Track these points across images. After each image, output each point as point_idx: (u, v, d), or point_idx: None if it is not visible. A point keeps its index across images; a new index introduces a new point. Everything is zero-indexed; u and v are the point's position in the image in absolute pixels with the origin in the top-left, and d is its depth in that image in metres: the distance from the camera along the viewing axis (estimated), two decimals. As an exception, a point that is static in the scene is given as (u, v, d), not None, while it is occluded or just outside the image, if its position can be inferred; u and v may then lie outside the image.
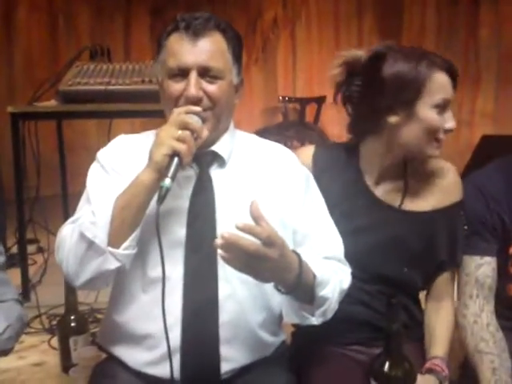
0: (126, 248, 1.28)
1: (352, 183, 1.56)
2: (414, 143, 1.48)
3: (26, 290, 2.63)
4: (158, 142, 1.28)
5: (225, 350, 1.35)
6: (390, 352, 1.31)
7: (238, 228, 1.13)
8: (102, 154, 1.46)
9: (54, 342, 2.08)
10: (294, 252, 1.26)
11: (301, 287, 1.26)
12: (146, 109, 2.49)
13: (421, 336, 1.59)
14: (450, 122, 1.45)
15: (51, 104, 2.57)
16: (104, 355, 1.49)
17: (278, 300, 1.40)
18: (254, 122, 4.68)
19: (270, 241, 1.15)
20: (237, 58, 1.41)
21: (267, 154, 1.49)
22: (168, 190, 1.24)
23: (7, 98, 3.95)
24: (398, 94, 1.43)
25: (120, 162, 1.41)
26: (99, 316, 2.32)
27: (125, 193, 1.30)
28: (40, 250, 3.11)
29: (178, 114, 1.30)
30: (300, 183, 1.47)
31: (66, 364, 1.88)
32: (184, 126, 1.28)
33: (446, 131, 1.45)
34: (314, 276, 1.29)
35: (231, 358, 1.36)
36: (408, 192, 1.55)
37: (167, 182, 1.24)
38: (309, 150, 1.60)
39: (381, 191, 1.55)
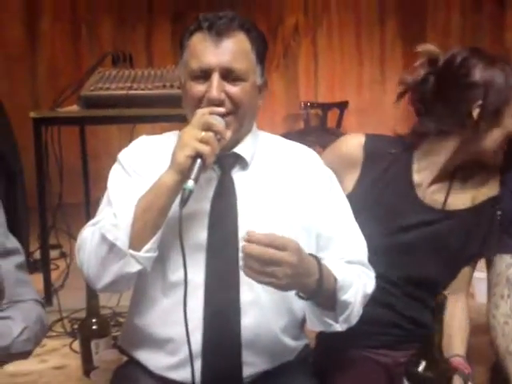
0: (148, 251, 1.26)
1: (400, 180, 1.53)
2: (492, 149, 1.47)
3: (49, 295, 2.64)
4: (181, 144, 1.26)
5: (247, 355, 1.33)
6: (429, 352, 1.28)
7: (245, 240, 1.13)
8: (123, 155, 1.44)
9: (76, 345, 2.08)
10: (313, 256, 1.24)
11: (322, 292, 1.23)
12: (167, 113, 2.49)
13: None
14: None
15: (73, 109, 2.59)
16: (125, 358, 1.48)
17: (300, 304, 1.37)
18: (276, 128, 4.66)
19: (280, 244, 1.14)
20: (261, 58, 1.39)
21: (290, 155, 1.47)
22: (191, 192, 1.22)
23: (31, 107, 4.00)
24: (491, 99, 1.43)
25: (141, 163, 1.40)
26: (121, 319, 2.31)
27: (147, 195, 1.28)
28: (63, 255, 3.14)
29: (202, 115, 1.28)
30: (324, 185, 1.44)
31: (88, 367, 1.88)
32: (207, 127, 1.25)
33: None
34: (336, 280, 1.27)
35: (253, 362, 1.34)
36: (450, 194, 1.54)
37: (190, 184, 1.21)
38: (359, 138, 1.56)
39: (426, 192, 1.54)
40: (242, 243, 1.17)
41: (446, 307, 1.27)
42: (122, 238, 1.25)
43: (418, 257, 1.52)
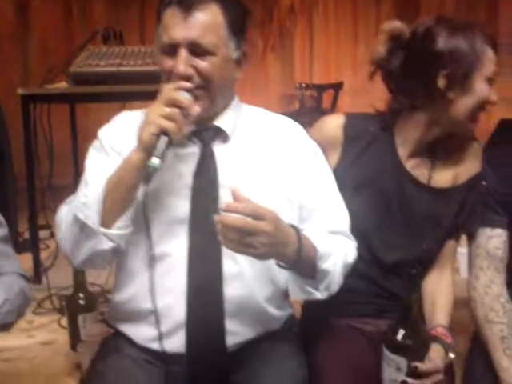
0: (119, 228, 1.28)
1: (385, 156, 1.53)
2: (464, 117, 1.45)
3: (38, 273, 2.64)
4: (145, 121, 1.25)
5: (230, 324, 1.34)
6: (407, 321, 1.30)
7: (223, 210, 1.12)
8: (102, 131, 1.43)
9: (64, 322, 2.07)
10: (292, 226, 1.24)
11: (302, 261, 1.24)
12: (158, 90, 2.45)
13: None
14: (494, 95, 1.44)
15: (62, 86, 2.56)
16: (112, 331, 1.48)
17: (283, 274, 1.38)
18: (271, 109, 4.59)
19: (258, 214, 1.13)
20: (236, 30, 1.35)
21: (274, 128, 1.46)
22: (156, 169, 1.21)
23: (22, 86, 3.98)
24: (457, 67, 1.41)
25: (120, 140, 1.38)
26: (109, 296, 2.30)
27: (115, 173, 1.28)
28: (53, 236, 3.12)
29: (168, 90, 1.26)
30: (307, 157, 1.44)
31: (75, 342, 1.87)
32: (172, 103, 1.24)
33: (490, 103, 1.45)
34: (316, 249, 1.27)
35: (237, 331, 1.35)
36: (434, 169, 1.53)
37: (154, 161, 1.21)
38: (338, 119, 1.54)
39: (409, 166, 1.53)
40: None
41: (420, 278, 1.30)
42: (92, 217, 1.26)
43: (409, 234, 1.52)
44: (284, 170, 1.40)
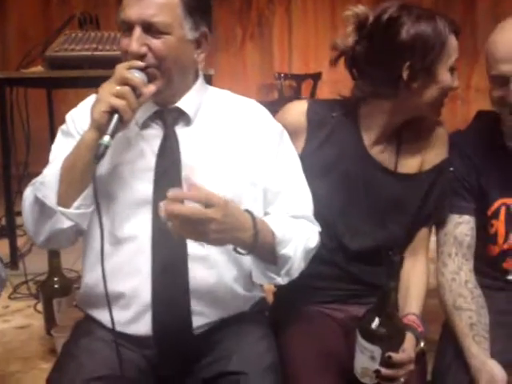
0: (78, 207, 1.28)
1: (350, 142, 1.52)
2: (429, 105, 1.45)
3: (14, 259, 2.63)
4: (97, 99, 1.24)
5: (196, 305, 1.34)
6: (383, 310, 1.28)
7: (171, 197, 1.11)
8: (70, 115, 1.43)
9: (40, 307, 2.06)
10: (248, 211, 1.24)
11: (259, 246, 1.24)
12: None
13: None
14: (456, 81, 1.44)
15: (37, 70, 2.54)
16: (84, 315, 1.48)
17: (248, 258, 1.37)
18: (250, 98, 4.64)
19: (208, 202, 1.13)
20: (193, 10, 1.34)
21: (238, 110, 1.45)
22: (107, 147, 1.20)
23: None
24: (421, 59, 1.40)
25: (85, 122, 1.34)
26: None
27: (71, 153, 1.29)
28: (30, 222, 3.10)
29: (120, 69, 1.26)
30: (272, 140, 1.43)
31: (50, 326, 1.87)
32: (123, 82, 1.23)
33: (453, 90, 1.45)
34: (274, 235, 1.28)
35: (203, 312, 1.35)
36: (400, 155, 1.52)
37: (106, 139, 1.20)
38: (301, 105, 1.53)
39: (375, 152, 1.52)
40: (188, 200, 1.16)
41: (402, 266, 1.29)
42: (50, 196, 1.27)
43: (376, 220, 1.52)
44: (248, 153, 1.40)
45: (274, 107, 1.57)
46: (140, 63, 1.27)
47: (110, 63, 2.40)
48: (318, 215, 1.44)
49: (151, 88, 1.28)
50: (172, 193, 1.11)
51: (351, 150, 1.51)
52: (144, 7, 1.29)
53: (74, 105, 1.45)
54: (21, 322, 2.08)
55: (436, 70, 1.41)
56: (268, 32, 5.18)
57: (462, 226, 1.52)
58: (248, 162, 1.40)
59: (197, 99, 1.42)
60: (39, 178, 1.32)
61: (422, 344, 1.41)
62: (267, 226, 1.28)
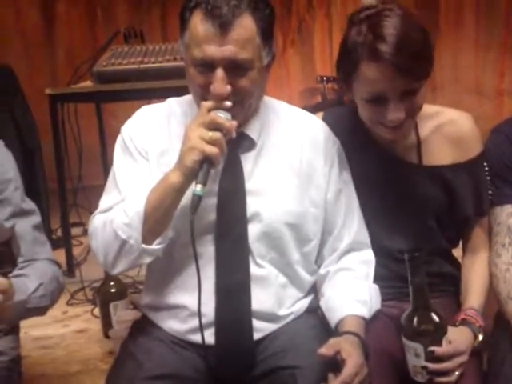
0: (159, 244, 1.31)
1: (365, 146, 1.52)
2: (365, 120, 1.43)
3: (71, 268, 2.72)
4: (188, 145, 1.23)
5: (257, 323, 1.37)
6: (416, 306, 1.31)
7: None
8: (125, 128, 1.45)
9: (97, 312, 2.13)
10: (353, 334, 1.31)
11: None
12: (180, 85, 2.49)
13: (454, 290, 1.57)
14: (388, 115, 1.33)
15: (87, 85, 2.64)
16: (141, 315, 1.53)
17: (309, 281, 1.46)
18: (293, 103, 4.63)
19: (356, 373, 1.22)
20: (268, 36, 1.32)
21: (299, 128, 1.45)
22: (201, 197, 1.22)
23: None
24: (340, 61, 1.38)
25: (145, 141, 1.40)
26: (140, 287, 2.37)
27: (155, 192, 1.29)
28: (86, 233, 3.20)
29: (207, 110, 1.24)
30: (334, 161, 1.45)
31: (107, 329, 1.94)
32: (215, 127, 1.22)
33: (390, 122, 1.35)
34: (364, 319, 1.38)
35: (264, 328, 1.39)
36: (423, 147, 1.49)
37: (199, 189, 1.21)
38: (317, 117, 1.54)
39: (395, 149, 1.50)
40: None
41: (422, 262, 1.28)
42: (134, 236, 1.28)
43: (408, 216, 1.51)
44: (309, 173, 1.42)
45: (318, 110, 1.59)
46: (229, 104, 1.25)
47: (156, 75, 2.55)
48: None
49: (235, 125, 1.26)
50: None
51: (367, 152, 1.51)
52: (226, 46, 1.24)
53: (123, 118, 1.48)
54: (79, 327, 2.16)
55: (353, 83, 1.36)
56: (309, 37, 5.18)
57: None
58: (310, 181, 1.41)
59: (260, 122, 1.41)
60: (121, 217, 1.30)
61: (481, 337, 1.40)
62: (359, 325, 1.36)
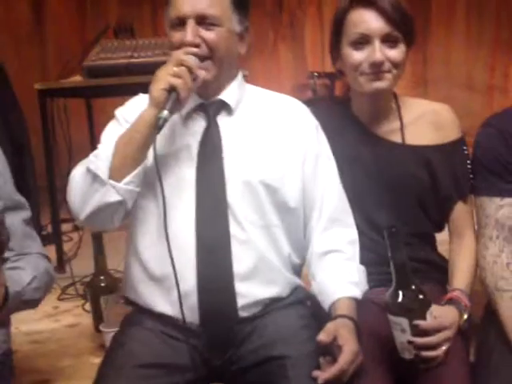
0: (128, 183, 1.35)
1: (351, 130, 1.60)
2: (351, 83, 1.55)
3: (61, 263, 2.73)
4: (155, 79, 1.35)
5: (239, 286, 1.39)
6: (399, 282, 1.32)
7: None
8: (119, 110, 1.53)
9: (88, 307, 2.13)
10: (347, 317, 1.34)
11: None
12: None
13: (441, 278, 1.60)
14: (371, 56, 1.46)
15: (76, 79, 2.63)
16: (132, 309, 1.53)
17: (287, 244, 1.47)
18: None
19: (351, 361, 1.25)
20: (238, 5, 1.45)
21: (276, 104, 1.54)
22: (165, 120, 1.31)
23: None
24: (332, 36, 1.54)
25: (135, 116, 1.43)
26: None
27: (127, 130, 1.38)
28: (76, 229, 3.20)
29: (177, 53, 1.37)
30: (310, 132, 1.51)
31: (98, 323, 1.93)
32: (180, 63, 1.34)
33: (371, 64, 1.47)
34: (356, 300, 1.42)
35: (246, 292, 1.40)
36: (406, 130, 1.57)
37: (164, 113, 1.30)
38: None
39: (380, 131, 1.59)
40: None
41: (402, 239, 1.31)
42: (102, 168, 1.35)
43: (394, 196, 1.56)
44: (287, 143, 1.48)
45: (309, 106, 1.62)
46: (195, 49, 1.38)
47: (146, 70, 2.53)
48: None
49: (204, 73, 1.39)
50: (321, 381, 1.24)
51: (354, 136, 1.59)
52: (197, 1, 1.39)
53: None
54: (70, 321, 2.16)
55: (340, 48, 1.52)
56: (300, 32, 5.18)
57: (504, 208, 1.50)
58: (287, 151, 1.47)
59: (238, 92, 1.50)
60: (92, 153, 1.40)
61: (466, 316, 1.42)
62: (352, 307, 1.39)
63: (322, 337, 1.27)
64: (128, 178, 1.35)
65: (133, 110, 1.47)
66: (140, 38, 2.95)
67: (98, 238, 1.97)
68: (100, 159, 1.37)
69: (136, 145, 1.35)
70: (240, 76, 1.53)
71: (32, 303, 1.42)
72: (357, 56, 1.47)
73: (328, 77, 5.14)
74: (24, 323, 2.07)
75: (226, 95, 1.48)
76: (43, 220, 3.17)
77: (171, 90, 1.32)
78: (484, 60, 4.98)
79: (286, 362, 1.31)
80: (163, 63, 2.44)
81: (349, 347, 1.25)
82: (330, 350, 1.28)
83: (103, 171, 1.35)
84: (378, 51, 1.45)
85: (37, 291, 1.39)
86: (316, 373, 1.25)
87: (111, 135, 1.44)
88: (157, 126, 1.30)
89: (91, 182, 1.35)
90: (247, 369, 1.37)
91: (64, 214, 2.96)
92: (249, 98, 1.52)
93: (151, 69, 2.47)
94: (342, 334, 1.28)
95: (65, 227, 3.07)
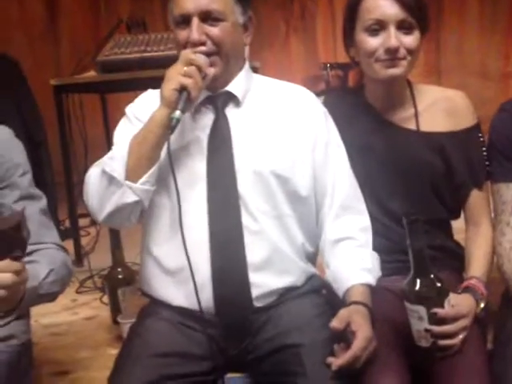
0: (144, 183, 1.37)
1: (365, 117, 1.60)
2: (365, 69, 1.54)
3: (79, 257, 2.76)
4: (166, 79, 1.36)
5: (254, 277, 1.40)
6: (417, 270, 1.32)
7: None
8: (129, 108, 1.54)
9: (106, 299, 2.15)
10: (360, 303, 1.35)
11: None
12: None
13: (457, 265, 1.60)
14: (387, 42, 1.46)
15: (90, 75, 2.65)
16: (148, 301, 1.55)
17: (300, 233, 1.48)
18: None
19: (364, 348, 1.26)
20: None
21: (284, 93, 1.54)
22: (178, 120, 1.32)
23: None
24: (346, 23, 1.54)
25: (145, 112, 1.45)
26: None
27: (141, 131, 1.38)
28: (93, 223, 3.23)
29: (185, 53, 1.37)
30: (319, 120, 1.52)
31: (116, 315, 1.95)
32: (189, 63, 1.35)
33: (387, 51, 1.46)
34: (371, 287, 1.42)
35: (261, 283, 1.41)
36: (420, 117, 1.57)
37: (177, 113, 1.32)
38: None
39: (394, 118, 1.58)
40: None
41: (420, 227, 1.30)
42: (118, 170, 1.36)
43: (408, 184, 1.56)
44: (295, 132, 1.48)
45: (321, 96, 1.63)
46: (204, 48, 1.39)
47: (159, 64, 2.55)
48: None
49: (213, 70, 1.40)
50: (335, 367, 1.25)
51: (369, 125, 1.59)
52: None
53: None
54: (88, 314, 2.18)
55: (354, 34, 1.51)
56: (311, 24, 5.16)
57: None
58: (296, 139, 1.48)
59: (245, 83, 1.51)
60: (107, 155, 1.41)
61: (483, 305, 1.42)
62: (366, 293, 1.39)
63: (335, 323, 1.28)
64: (144, 178, 1.37)
65: (142, 107, 1.50)
66: (152, 32, 2.97)
67: (115, 232, 2.00)
68: (115, 160, 1.38)
69: (150, 145, 1.36)
70: (247, 66, 1.54)
71: (50, 296, 1.41)
72: (372, 42, 1.47)
73: (341, 67, 5.11)
74: (43, 316, 2.10)
75: (233, 87, 1.49)
76: (61, 215, 3.20)
77: (182, 89, 1.33)
78: (497, 48, 4.93)
79: (301, 350, 1.32)
80: (176, 57, 2.52)
81: (362, 333, 1.26)
82: (344, 337, 1.29)
83: (119, 173, 1.36)
84: (394, 37, 1.45)
85: (54, 285, 1.39)
86: (330, 359, 1.26)
87: (123, 134, 1.46)
88: (170, 126, 1.32)
89: (107, 184, 1.37)
90: (263, 358, 1.39)
91: (81, 209, 3.01)
92: (256, 88, 1.53)
93: (164, 63, 2.51)
94: (356, 320, 1.28)
95: (82, 222, 3.10)
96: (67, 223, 3.07)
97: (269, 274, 1.42)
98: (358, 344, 1.25)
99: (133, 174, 1.36)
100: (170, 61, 2.49)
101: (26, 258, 1.31)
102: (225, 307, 1.39)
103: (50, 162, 3.17)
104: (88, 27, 4.74)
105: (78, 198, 2.87)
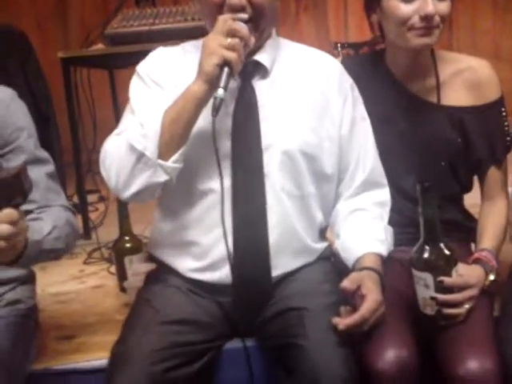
0: (175, 161, 1.30)
1: (385, 86, 1.56)
2: (394, 38, 1.47)
3: (87, 230, 2.76)
4: (207, 52, 1.25)
5: (274, 257, 1.38)
6: (427, 237, 1.31)
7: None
8: (141, 66, 1.47)
9: (113, 270, 2.17)
10: (372, 269, 1.34)
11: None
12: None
13: (468, 239, 1.60)
14: (424, 8, 1.40)
15: (98, 47, 2.64)
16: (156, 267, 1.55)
17: (320, 212, 1.45)
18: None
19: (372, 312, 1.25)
20: None
21: (313, 63, 1.48)
22: (222, 100, 1.23)
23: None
24: None
25: (160, 74, 1.42)
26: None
27: (174, 105, 1.29)
28: (102, 199, 3.23)
29: (225, 21, 1.26)
30: (347, 95, 1.46)
31: (123, 283, 1.96)
32: (233, 34, 1.25)
33: (423, 18, 1.40)
34: (382, 257, 1.40)
35: (280, 263, 1.40)
36: (442, 89, 1.52)
37: (220, 92, 1.23)
38: None
39: (415, 88, 1.54)
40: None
41: (432, 194, 1.29)
42: (150, 148, 1.28)
43: (424, 155, 1.54)
44: (323, 111, 1.43)
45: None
46: (245, 15, 1.30)
47: (167, 36, 2.54)
48: None
49: (253, 39, 1.31)
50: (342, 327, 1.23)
51: (388, 93, 1.55)
52: None
53: None
54: (96, 283, 2.19)
55: (382, 0, 1.44)
56: (322, 2, 5.12)
57: None
58: (324, 115, 1.43)
59: (273, 52, 1.43)
60: (137, 130, 1.31)
61: (492, 277, 1.41)
62: (378, 262, 1.38)
63: (346, 284, 1.27)
64: (175, 157, 1.29)
65: (157, 66, 1.43)
66: (161, 6, 2.96)
67: (123, 203, 1.98)
68: (148, 139, 1.28)
69: (184, 124, 1.28)
70: (274, 33, 1.46)
71: (54, 253, 1.41)
72: (405, 9, 1.41)
73: (352, 47, 5.08)
74: (50, 285, 2.12)
75: (261, 56, 1.41)
76: (69, 191, 3.21)
77: (225, 64, 1.23)
78: (511, 28, 4.86)
79: (304, 313, 1.32)
80: (184, 29, 2.52)
81: (372, 296, 1.25)
82: (351, 301, 1.28)
83: (152, 151, 1.28)
84: (431, 3, 1.39)
85: (57, 241, 1.38)
86: (336, 320, 1.25)
87: (143, 100, 1.38)
88: (214, 107, 1.23)
89: (136, 161, 1.28)
90: (268, 320, 1.39)
91: (89, 185, 3.02)
92: (283, 56, 1.46)
93: (172, 35, 2.56)
94: (367, 283, 1.27)
95: (90, 198, 3.10)
96: (75, 198, 3.08)
97: (285, 256, 1.41)
98: (367, 305, 1.23)
99: (165, 152, 1.28)
100: (178, 33, 2.54)
101: (31, 216, 1.32)
102: (243, 283, 1.37)
103: (59, 137, 3.16)
104: (96, 3, 4.72)
105: (86, 174, 2.90)
